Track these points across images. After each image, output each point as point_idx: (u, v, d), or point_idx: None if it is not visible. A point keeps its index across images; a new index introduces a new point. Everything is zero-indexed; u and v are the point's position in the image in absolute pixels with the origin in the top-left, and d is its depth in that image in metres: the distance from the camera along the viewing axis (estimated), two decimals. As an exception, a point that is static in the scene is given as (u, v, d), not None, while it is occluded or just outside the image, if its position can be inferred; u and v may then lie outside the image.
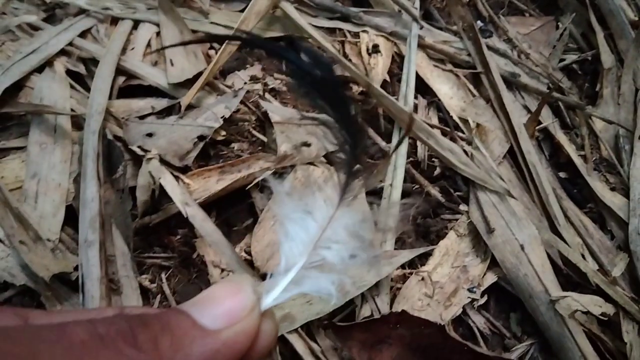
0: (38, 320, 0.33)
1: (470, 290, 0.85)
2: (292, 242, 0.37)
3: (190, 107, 0.89)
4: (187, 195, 0.76)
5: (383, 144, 0.96)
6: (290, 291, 0.36)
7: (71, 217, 0.76)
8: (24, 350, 0.26)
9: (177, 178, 0.79)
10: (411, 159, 0.96)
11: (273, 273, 0.37)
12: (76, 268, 0.70)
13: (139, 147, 0.79)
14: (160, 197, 0.78)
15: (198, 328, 0.32)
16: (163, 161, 0.79)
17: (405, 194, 0.90)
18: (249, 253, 0.79)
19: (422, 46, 1.11)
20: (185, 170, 0.82)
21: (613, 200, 1.01)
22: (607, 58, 1.20)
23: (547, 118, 1.09)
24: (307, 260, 0.37)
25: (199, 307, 0.33)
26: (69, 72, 0.91)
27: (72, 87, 0.88)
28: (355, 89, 1.04)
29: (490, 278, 0.87)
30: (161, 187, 0.76)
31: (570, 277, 0.88)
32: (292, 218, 0.38)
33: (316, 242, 0.37)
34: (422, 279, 0.83)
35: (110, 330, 0.29)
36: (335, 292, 0.36)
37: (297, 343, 0.72)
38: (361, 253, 0.37)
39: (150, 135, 0.82)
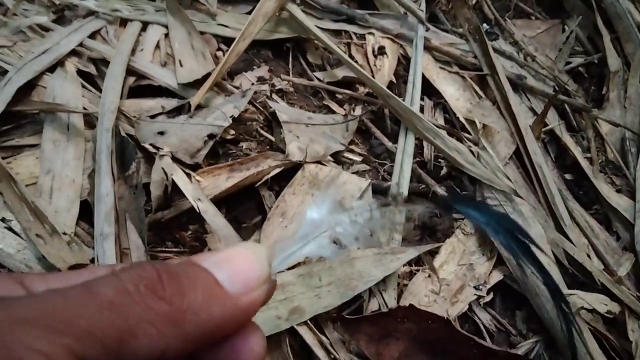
0: (33, 284, 0.35)
1: (476, 287, 0.91)
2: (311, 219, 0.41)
3: (199, 106, 0.95)
4: (199, 192, 0.83)
5: (389, 144, 1.03)
6: (293, 256, 0.40)
7: (85, 212, 0.82)
8: (57, 317, 0.27)
9: (188, 175, 0.85)
10: (418, 159, 1.02)
11: (282, 243, 0.41)
12: (92, 260, 0.76)
13: (151, 144, 0.86)
14: (171, 193, 0.84)
15: (220, 288, 0.34)
16: (174, 159, 0.86)
17: (411, 193, 0.97)
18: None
19: (428, 48, 1.18)
20: (195, 167, 0.88)
21: (619, 202, 1.07)
22: (613, 61, 1.27)
23: (553, 120, 1.16)
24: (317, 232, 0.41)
25: (220, 267, 0.35)
26: (80, 72, 0.97)
27: (83, 86, 0.95)
28: (362, 89, 1.11)
29: (496, 276, 0.93)
30: (173, 183, 0.82)
31: (576, 277, 0.94)
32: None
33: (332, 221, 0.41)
34: (429, 275, 0.89)
35: (140, 284, 0.30)
36: (333, 249, 0.40)
37: (307, 335, 0.78)
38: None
39: (161, 133, 0.89)
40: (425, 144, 1.04)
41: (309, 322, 0.79)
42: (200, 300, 0.32)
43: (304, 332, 0.78)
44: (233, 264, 0.36)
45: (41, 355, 0.26)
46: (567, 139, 1.14)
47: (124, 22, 1.07)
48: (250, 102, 0.98)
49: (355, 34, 1.19)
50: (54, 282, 0.37)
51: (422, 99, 1.11)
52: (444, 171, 1.02)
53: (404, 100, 1.05)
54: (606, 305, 0.91)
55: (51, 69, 0.96)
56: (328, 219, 0.40)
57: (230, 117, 0.92)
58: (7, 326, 0.26)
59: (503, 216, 0.41)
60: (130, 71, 0.98)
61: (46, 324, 0.27)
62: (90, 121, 0.91)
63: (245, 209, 0.91)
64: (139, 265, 0.33)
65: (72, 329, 0.27)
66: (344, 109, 1.07)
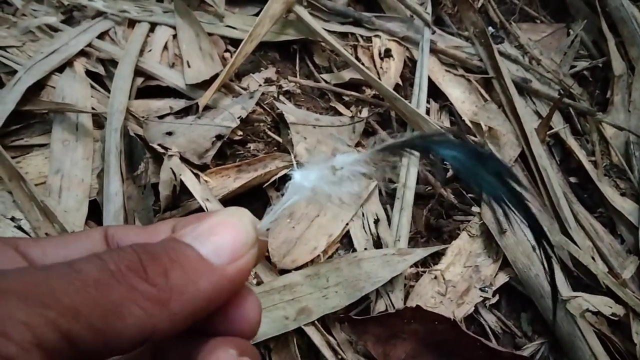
0: (29, 250, 0.35)
1: (482, 289, 0.91)
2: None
3: (207, 107, 0.96)
4: (207, 192, 0.83)
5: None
6: (277, 213, 0.40)
7: (94, 212, 0.82)
8: (42, 292, 0.27)
9: (196, 176, 0.85)
10: (424, 161, 1.03)
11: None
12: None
13: (159, 145, 0.86)
14: (179, 193, 0.84)
15: (205, 262, 0.33)
16: (183, 159, 0.86)
17: (418, 195, 0.97)
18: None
19: (434, 51, 1.18)
20: (203, 168, 0.88)
21: (623, 205, 1.07)
22: (618, 65, 1.27)
23: (558, 123, 1.16)
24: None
25: (202, 240, 0.34)
26: (88, 73, 0.97)
27: (91, 87, 0.95)
28: (368, 91, 1.11)
29: (502, 278, 0.93)
30: (181, 183, 0.83)
31: (581, 279, 0.94)
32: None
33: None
34: (435, 277, 0.90)
35: (121, 265, 0.30)
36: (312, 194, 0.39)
37: (314, 335, 0.78)
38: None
39: (169, 134, 0.89)
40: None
41: (316, 322, 0.79)
42: (184, 277, 0.32)
43: (311, 332, 0.78)
44: (216, 235, 0.35)
45: (25, 326, 0.25)
46: (572, 142, 1.14)
47: (132, 23, 1.07)
48: (257, 104, 0.99)
49: (361, 36, 1.20)
50: (49, 247, 0.37)
51: (428, 101, 1.11)
52: (450, 173, 1.03)
53: (410, 102, 1.05)
54: (611, 307, 0.92)
55: (60, 69, 0.96)
56: (317, 183, 0.39)
57: (238, 118, 0.93)
58: None
59: (486, 155, 0.38)
60: (138, 72, 0.99)
61: (29, 297, 0.26)
62: (99, 121, 0.91)
63: (253, 209, 0.89)
64: (120, 248, 0.33)
65: (57, 304, 0.27)
66: (351, 111, 1.07)
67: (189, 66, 1.01)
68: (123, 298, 0.29)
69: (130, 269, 0.30)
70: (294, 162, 0.38)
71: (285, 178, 0.91)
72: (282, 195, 0.41)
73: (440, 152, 0.38)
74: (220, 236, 0.35)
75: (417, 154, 0.40)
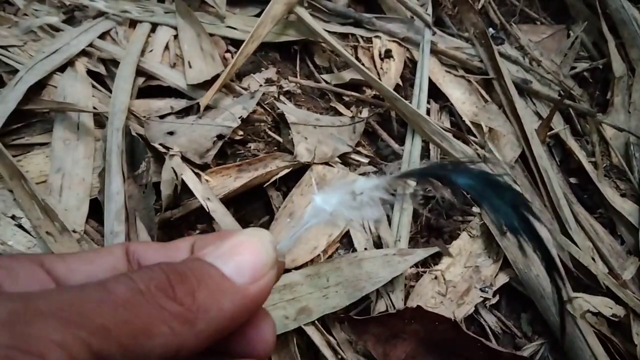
0: (54, 266, 0.36)
1: (482, 289, 0.91)
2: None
3: (208, 107, 0.96)
4: (208, 191, 0.83)
5: (396, 146, 1.03)
6: (297, 235, 0.41)
7: (95, 211, 0.82)
8: (74, 312, 0.28)
9: (197, 175, 0.85)
10: (424, 161, 1.03)
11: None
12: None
13: (160, 144, 0.86)
14: (180, 193, 0.84)
15: (228, 282, 0.34)
16: (184, 158, 0.86)
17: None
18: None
19: (434, 52, 1.19)
20: (204, 167, 0.88)
21: (623, 206, 1.08)
22: (618, 66, 1.28)
23: (558, 124, 1.17)
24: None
25: (225, 260, 0.35)
26: (90, 72, 0.98)
27: (93, 86, 0.95)
28: (369, 92, 1.11)
29: (502, 278, 0.93)
30: (182, 183, 0.83)
31: (581, 280, 0.95)
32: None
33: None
34: (435, 277, 0.90)
35: (151, 285, 0.31)
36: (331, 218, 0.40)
37: (314, 335, 0.78)
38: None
39: (171, 133, 0.89)
40: (431, 146, 1.05)
41: (316, 322, 0.79)
42: (210, 297, 0.33)
43: (311, 332, 0.78)
44: (238, 254, 0.36)
45: (58, 346, 0.26)
46: (572, 143, 1.15)
47: (133, 24, 1.08)
48: (258, 104, 0.99)
49: (362, 37, 1.20)
50: (74, 263, 0.37)
51: (428, 102, 1.11)
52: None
53: (410, 103, 1.05)
54: (611, 308, 0.92)
55: (61, 68, 0.96)
56: (337, 207, 0.41)
57: (239, 118, 0.93)
58: (26, 318, 0.26)
59: (503, 185, 0.39)
60: (139, 72, 0.99)
61: (63, 317, 0.27)
62: (100, 120, 0.91)
63: (253, 209, 0.91)
64: (148, 267, 0.33)
65: (88, 323, 0.27)
66: (351, 111, 1.08)
67: (190, 66, 1.01)
68: (152, 317, 0.30)
69: (159, 289, 0.31)
70: (314, 184, 0.39)
71: (289, 179, 0.91)
72: (301, 216, 0.42)
73: (459, 182, 0.39)
74: (242, 256, 0.36)
75: (436, 182, 0.41)
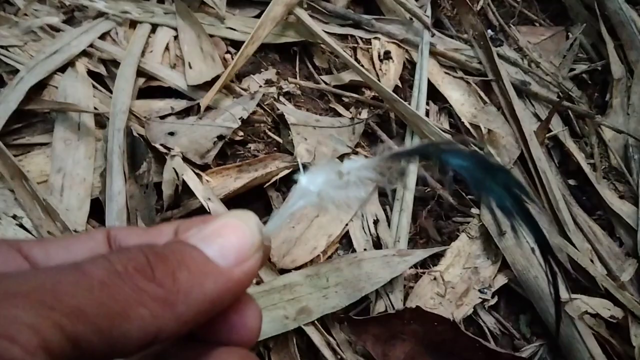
0: (32, 252, 0.35)
1: (481, 291, 0.92)
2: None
3: (208, 108, 0.96)
4: (209, 191, 0.84)
5: (395, 147, 1.04)
6: (282, 217, 0.39)
7: (96, 211, 0.83)
8: (47, 294, 0.26)
9: (198, 175, 0.86)
10: (423, 162, 1.03)
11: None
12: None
13: (161, 145, 0.87)
14: (181, 193, 0.85)
15: (211, 264, 0.33)
16: (185, 159, 0.87)
17: (417, 197, 0.98)
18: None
19: (433, 53, 1.19)
20: (205, 168, 0.89)
21: (622, 208, 1.08)
22: (617, 68, 1.29)
23: (557, 126, 1.17)
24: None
25: (208, 242, 0.34)
26: (90, 73, 0.98)
27: (93, 87, 0.96)
28: (368, 93, 1.12)
29: (501, 280, 0.94)
30: (183, 183, 0.83)
31: (579, 282, 0.95)
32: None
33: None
34: (435, 278, 0.90)
35: (129, 266, 0.30)
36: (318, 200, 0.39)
37: (314, 335, 0.79)
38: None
39: (172, 134, 0.90)
40: (430, 147, 1.05)
41: (316, 322, 0.80)
42: (192, 278, 0.32)
43: (311, 332, 0.79)
44: (222, 236, 0.35)
45: (30, 328, 0.25)
46: (571, 145, 1.15)
47: (133, 24, 1.08)
48: (258, 105, 1.00)
49: (361, 38, 1.21)
50: (52, 248, 0.36)
51: (427, 103, 1.12)
52: (449, 175, 1.03)
53: (409, 104, 1.06)
54: (609, 310, 0.92)
55: (62, 69, 0.97)
56: (323, 187, 0.39)
57: (239, 118, 0.94)
58: None
59: (495, 166, 0.38)
60: (140, 72, 0.99)
61: (35, 299, 0.26)
62: (101, 121, 0.92)
63: (254, 209, 0.90)
64: (126, 248, 0.32)
65: (62, 305, 0.26)
66: (350, 112, 1.08)
67: (190, 67, 1.01)
68: (129, 299, 0.29)
69: (138, 270, 0.30)
70: (300, 166, 0.37)
71: (289, 180, 0.92)
72: (287, 199, 0.41)
73: (450, 162, 0.38)
74: (226, 238, 0.35)
75: (426, 162, 0.40)
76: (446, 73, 1.19)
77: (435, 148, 0.40)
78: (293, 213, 0.40)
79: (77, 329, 0.26)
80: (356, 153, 1.02)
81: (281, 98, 1.05)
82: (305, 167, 0.40)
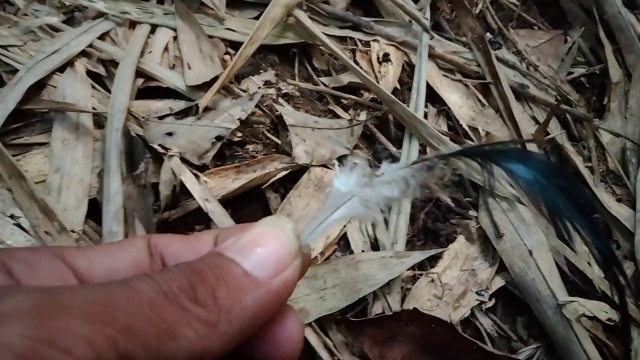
0: (75, 260, 0.35)
1: (478, 293, 0.92)
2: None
3: (207, 109, 0.96)
4: (207, 192, 0.84)
5: (394, 149, 1.04)
6: (323, 223, 0.39)
7: (93, 211, 0.83)
8: (101, 309, 0.27)
9: (196, 176, 0.86)
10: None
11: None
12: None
13: (159, 145, 0.87)
14: (179, 193, 0.85)
15: (250, 278, 0.33)
16: (183, 159, 0.87)
17: (414, 199, 0.98)
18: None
19: (432, 56, 1.19)
20: (203, 168, 0.89)
21: (619, 211, 1.08)
22: (615, 72, 1.29)
23: (555, 129, 1.17)
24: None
25: (245, 254, 0.34)
26: (89, 73, 0.98)
27: (92, 87, 0.96)
28: (367, 95, 1.12)
29: (499, 282, 0.94)
30: (181, 183, 0.83)
31: (577, 284, 0.95)
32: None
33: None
34: (432, 280, 0.90)
35: (173, 286, 0.30)
36: (363, 210, 0.38)
37: (311, 337, 0.79)
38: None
39: (170, 134, 0.90)
40: (429, 149, 1.05)
41: (313, 323, 0.80)
42: (231, 295, 0.32)
43: (308, 333, 0.79)
44: (259, 247, 0.34)
45: (85, 342, 0.25)
46: (569, 148, 1.15)
47: (133, 25, 1.08)
48: (256, 106, 0.99)
49: (360, 40, 1.21)
50: (95, 257, 0.36)
51: (425, 105, 1.12)
52: (447, 177, 1.03)
53: (408, 106, 1.06)
54: (606, 312, 0.92)
55: (61, 69, 0.97)
56: (355, 188, 0.39)
57: (238, 119, 0.94)
58: (52, 311, 0.26)
59: (553, 169, 0.37)
60: (138, 73, 0.99)
61: (90, 313, 0.26)
62: (99, 121, 0.92)
63: (251, 210, 0.92)
64: (167, 269, 0.32)
65: (116, 321, 0.27)
66: (349, 114, 1.08)
67: (189, 68, 1.01)
68: (176, 320, 0.29)
69: (182, 290, 0.30)
70: (336, 166, 0.36)
71: (287, 181, 0.92)
72: (325, 204, 0.40)
73: (503, 165, 0.37)
74: (263, 248, 0.34)
75: (473, 164, 0.39)
76: (445, 76, 1.19)
77: (498, 153, 0.39)
78: (333, 220, 0.39)
79: (128, 346, 0.27)
80: (355, 155, 1.02)
81: (280, 99, 1.05)
82: (341, 167, 0.40)
